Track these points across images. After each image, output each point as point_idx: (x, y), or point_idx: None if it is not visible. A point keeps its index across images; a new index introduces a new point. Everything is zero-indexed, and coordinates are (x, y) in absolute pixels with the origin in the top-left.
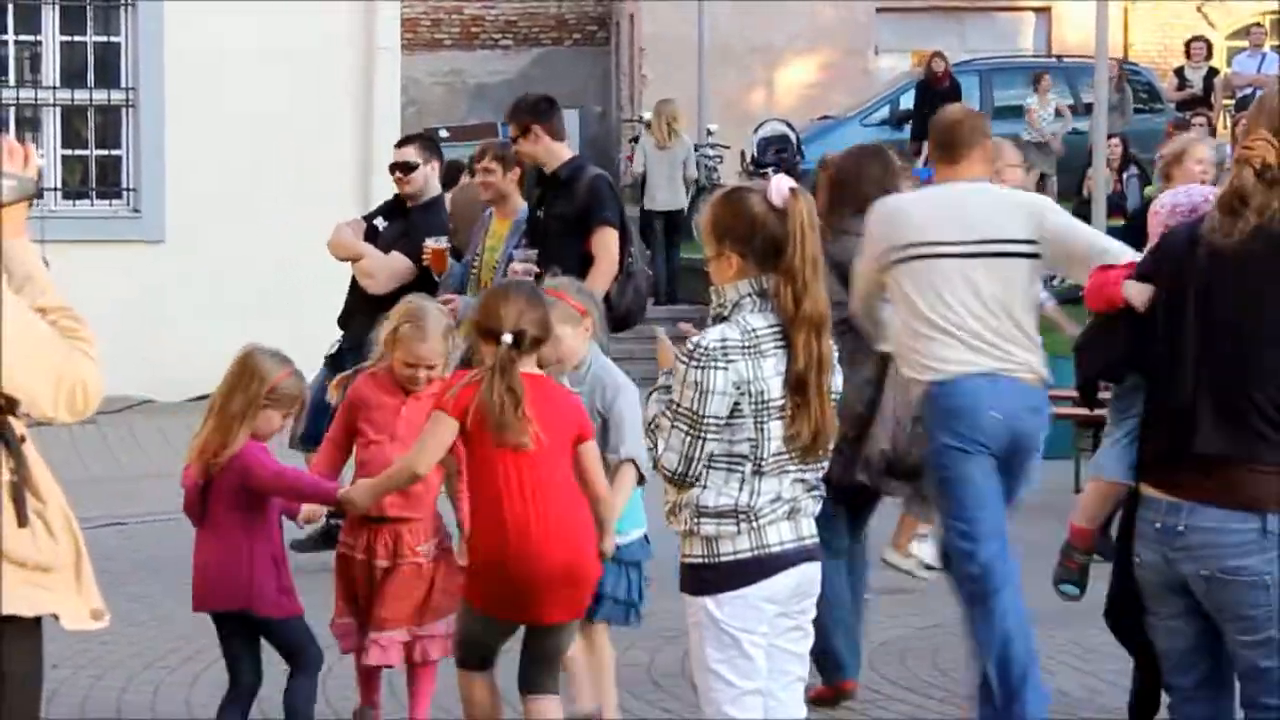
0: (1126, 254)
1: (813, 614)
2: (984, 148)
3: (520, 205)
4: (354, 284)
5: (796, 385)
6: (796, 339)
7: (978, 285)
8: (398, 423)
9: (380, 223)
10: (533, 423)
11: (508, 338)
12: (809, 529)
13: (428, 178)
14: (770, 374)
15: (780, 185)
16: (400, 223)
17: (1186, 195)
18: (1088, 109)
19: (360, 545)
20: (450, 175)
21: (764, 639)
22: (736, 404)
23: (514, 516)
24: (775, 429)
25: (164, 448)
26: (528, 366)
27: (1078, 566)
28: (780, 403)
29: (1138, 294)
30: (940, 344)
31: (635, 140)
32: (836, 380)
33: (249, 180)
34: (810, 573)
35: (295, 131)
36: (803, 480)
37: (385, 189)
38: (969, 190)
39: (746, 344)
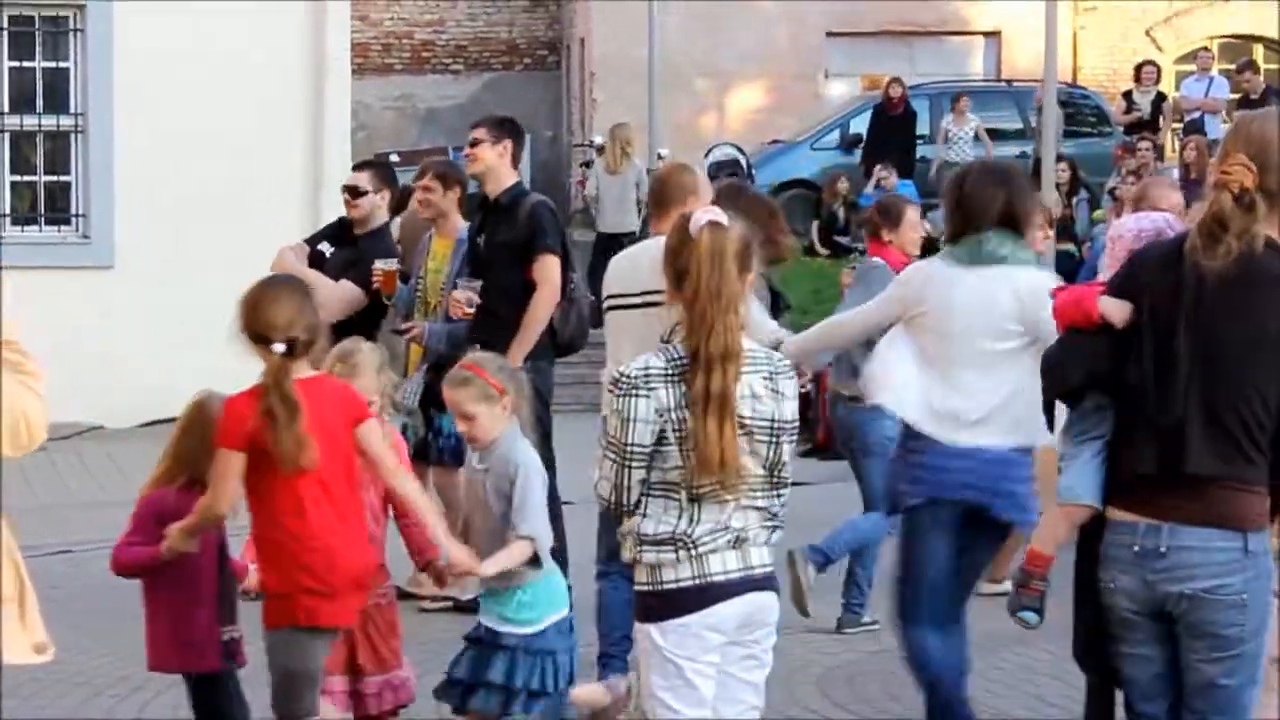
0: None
1: (769, 644)
2: (683, 204)
3: (460, 225)
4: None
5: (691, 416)
6: (694, 371)
7: (644, 336)
8: None
9: (326, 248)
10: (311, 439)
11: (280, 347)
12: (759, 558)
13: (375, 206)
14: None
15: (700, 216)
16: (348, 250)
17: (1150, 221)
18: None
19: None
20: (401, 200)
21: (711, 667)
22: (663, 432)
23: (320, 540)
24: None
25: (114, 474)
26: (301, 371)
27: (1039, 593)
28: None
29: (1117, 310)
30: None
31: (586, 165)
32: (785, 408)
33: (199, 205)
34: (761, 602)
35: (244, 153)
36: (756, 509)
37: (335, 204)
38: (651, 245)
39: (670, 371)
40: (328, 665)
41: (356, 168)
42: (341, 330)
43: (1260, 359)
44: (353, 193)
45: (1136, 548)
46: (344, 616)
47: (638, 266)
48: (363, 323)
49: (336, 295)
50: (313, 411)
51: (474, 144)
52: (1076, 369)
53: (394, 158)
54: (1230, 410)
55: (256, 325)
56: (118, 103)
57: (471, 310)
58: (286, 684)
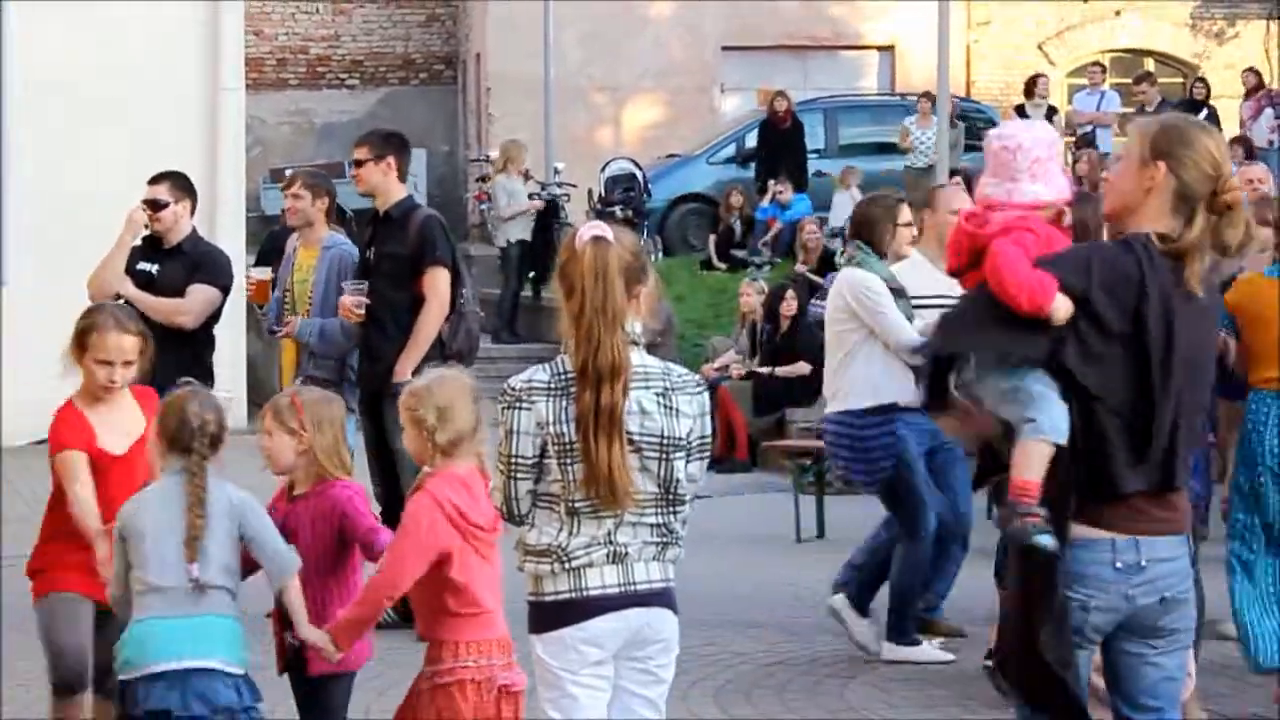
0: None
1: (665, 660)
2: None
3: (325, 234)
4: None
5: (580, 432)
6: (580, 387)
7: None
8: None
9: (147, 266)
10: None
11: None
12: (645, 574)
13: (178, 216)
14: (573, 417)
15: (584, 231)
16: (180, 258)
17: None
18: None
19: None
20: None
21: (600, 680)
22: (544, 445)
23: None
24: (579, 472)
25: (5, 490)
26: None
27: (1042, 518)
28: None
29: (1064, 314)
30: None
31: (482, 179)
32: (679, 425)
33: (91, 223)
34: (647, 619)
35: (138, 170)
36: (647, 525)
37: (229, 230)
38: None
39: (554, 386)
40: None
41: (152, 181)
42: (194, 339)
43: (1209, 374)
44: (153, 206)
45: (1118, 564)
46: None
47: None
48: (209, 319)
49: (197, 302)
50: None
51: (357, 164)
52: (1024, 348)
53: (289, 173)
54: (1191, 423)
55: None
56: (6, 122)
57: (361, 312)
58: None
